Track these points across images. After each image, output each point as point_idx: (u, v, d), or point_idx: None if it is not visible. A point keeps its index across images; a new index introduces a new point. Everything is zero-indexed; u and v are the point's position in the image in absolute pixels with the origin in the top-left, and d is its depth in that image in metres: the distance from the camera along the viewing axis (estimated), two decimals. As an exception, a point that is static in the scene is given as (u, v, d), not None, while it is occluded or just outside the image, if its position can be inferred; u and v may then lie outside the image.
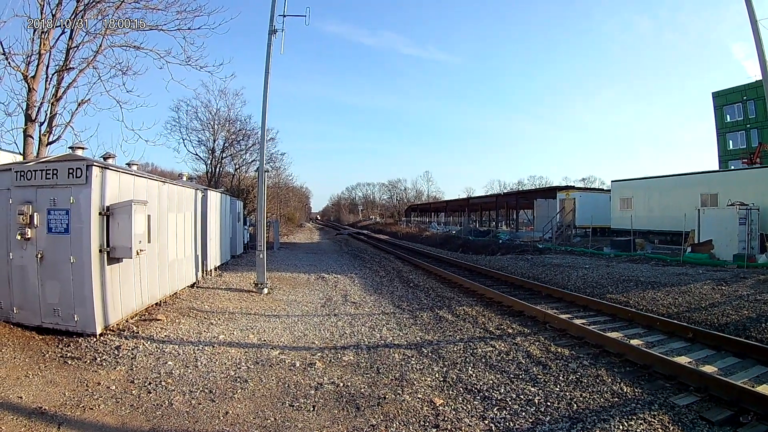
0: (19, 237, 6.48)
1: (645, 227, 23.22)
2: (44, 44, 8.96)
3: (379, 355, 6.26)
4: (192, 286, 10.94)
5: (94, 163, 6.56)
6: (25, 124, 8.93)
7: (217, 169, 28.53)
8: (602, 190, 37.58)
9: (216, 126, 28.62)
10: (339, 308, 9.42)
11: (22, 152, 9.02)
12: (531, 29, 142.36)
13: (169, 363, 5.65)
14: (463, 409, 4.56)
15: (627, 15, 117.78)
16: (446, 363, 5.95)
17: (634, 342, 6.85)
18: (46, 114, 9.23)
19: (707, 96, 44.23)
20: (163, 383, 5.00)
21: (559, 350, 6.46)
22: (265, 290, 10.83)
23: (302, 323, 8.04)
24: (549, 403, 4.66)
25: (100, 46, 9.56)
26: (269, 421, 4.23)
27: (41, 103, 9.11)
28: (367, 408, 4.54)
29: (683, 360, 5.95)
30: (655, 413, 4.39)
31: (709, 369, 5.66)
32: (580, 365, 5.81)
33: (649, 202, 24.38)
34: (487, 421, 4.28)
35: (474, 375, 5.51)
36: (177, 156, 72.88)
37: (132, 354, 5.87)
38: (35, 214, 6.49)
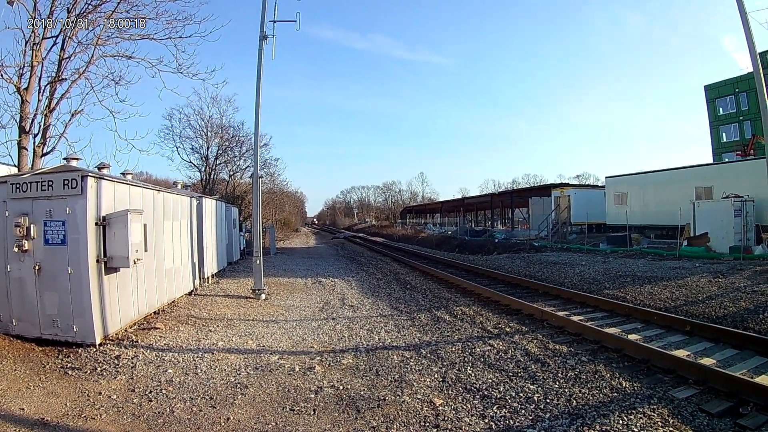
0: (16, 249, 6.47)
1: (640, 222, 23.32)
2: (36, 56, 8.94)
3: (378, 358, 6.28)
4: (190, 293, 10.92)
5: (89, 174, 6.57)
6: (19, 136, 8.91)
7: (212, 177, 28.57)
8: (597, 186, 37.53)
9: (209, 133, 28.75)
10: (337, 312, 9.44)
11: (16, 164, 9.00)
12: (521, 27, 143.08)
13: (170, 371, 5.65)
14: (462, 408, 4.58)
15: (617, 11, 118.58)
16: (445, 363, 5.97)
17: (632, 337, 6.88)
18: (40, 125, 9.21)
19: (699, 89, 44.46)
20: (163, 391, 5.00)
21: (557, 347, 6.49)
22: (263, 296, 10.82)
23: (300, 328, 8.05)
24: (548, 400, 4.68)
25: (92, 56, 9.56)
26: (270, 425, 4.24)
27: (35, 115, 9.08)
28: (368, 410, 4.56)
29: (681, 353, 5.99)
30: (655, 407, 4.42)
31: (707, 361, 5.70)
32: (578, 361, 5.85)
33: (644, 197, 24.47)
34: (486, 420, 4.31)
35: (473, 374, 5.53)
36: (171, 164, 73.01)
37: (132, 363, 5.87)
38: (32, 225, 6.49)
